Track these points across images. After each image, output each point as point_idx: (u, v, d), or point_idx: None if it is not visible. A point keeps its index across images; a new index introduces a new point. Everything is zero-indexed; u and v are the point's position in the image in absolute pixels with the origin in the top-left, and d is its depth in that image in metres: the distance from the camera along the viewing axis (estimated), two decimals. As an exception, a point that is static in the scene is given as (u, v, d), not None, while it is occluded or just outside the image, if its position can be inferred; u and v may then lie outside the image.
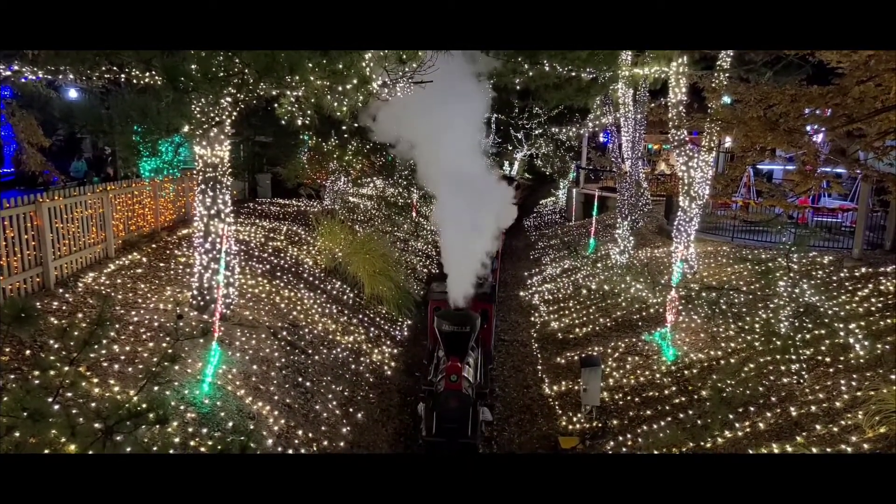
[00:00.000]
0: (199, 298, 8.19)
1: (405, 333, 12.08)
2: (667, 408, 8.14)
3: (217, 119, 7.46)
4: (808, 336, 8.27)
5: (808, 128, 8.60)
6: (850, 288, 9.73)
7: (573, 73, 13.04)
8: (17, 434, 2.83)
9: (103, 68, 6.49)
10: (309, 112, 7.40)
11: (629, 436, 7.78)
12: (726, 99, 11.78)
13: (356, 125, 11.04)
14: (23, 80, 6.61)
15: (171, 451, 5.23)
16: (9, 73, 6.24)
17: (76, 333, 3.53)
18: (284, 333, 9.06)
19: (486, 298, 9.77)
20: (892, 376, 6.78)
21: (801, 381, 7.44)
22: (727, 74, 10.95)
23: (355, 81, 6.47)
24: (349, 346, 10.18)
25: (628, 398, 8.73)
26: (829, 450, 6.00)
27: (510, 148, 30.84)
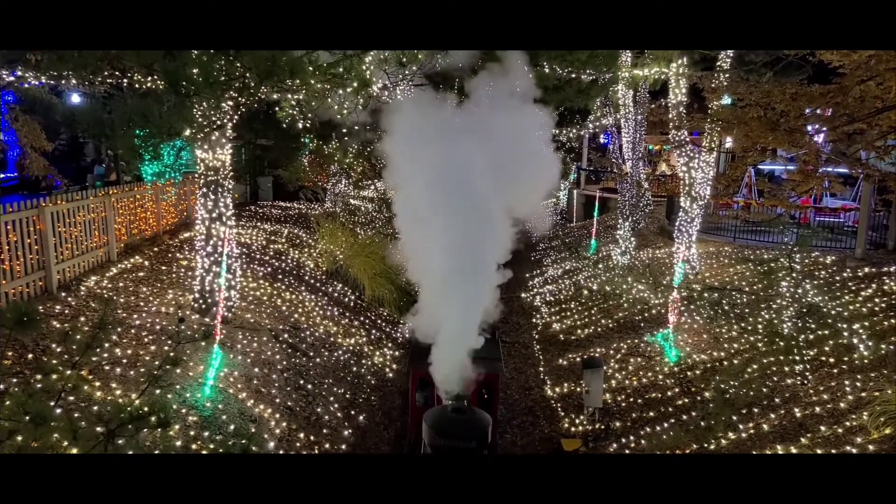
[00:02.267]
0: (201, 301, 8.20)
1: (406, 336, 12.07)
2: (670, 409, 8.12)
3: (218, 123, 7.47)
4: (811, 337, 8.24)
5: (809, 127, 8.59)
6: (853, 288, 9.71)
7: (573, 75, 13.04)
8: (20, 438, 2.83)
9: (105, 73, 6.51)
10: (310, 115, 7.41)
11: (632, 438, 7.76)
12: (727, 99, 11.77)
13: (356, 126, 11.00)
14: (26, 86, 6.64)
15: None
16: (12, 78, 6.27)
17: (78, 337, 3.53)
18: (286, 336, 9.06)
19: (490, 364, 6.64)
20: (896, 376, 6.77)
21: (805, 381, 7.42)
22: (727, 75, 10.94)
23: (356, 84, 6.49)
24: (350, 348, 10.17)
25: (631, 400, 8.71)
26: (833, 451, 5.98)
27: None
